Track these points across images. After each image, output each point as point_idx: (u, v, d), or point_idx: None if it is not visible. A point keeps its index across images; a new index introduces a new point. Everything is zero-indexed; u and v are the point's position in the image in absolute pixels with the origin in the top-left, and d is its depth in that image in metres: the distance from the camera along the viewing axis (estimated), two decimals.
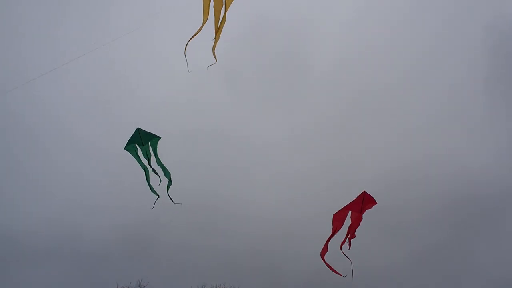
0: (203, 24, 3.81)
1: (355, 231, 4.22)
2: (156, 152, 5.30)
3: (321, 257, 4.26)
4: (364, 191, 4.11)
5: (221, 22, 3.84)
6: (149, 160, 5.33)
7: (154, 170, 5.37)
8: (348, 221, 4.23)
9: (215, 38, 3.86)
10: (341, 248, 4.19)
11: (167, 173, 5.37)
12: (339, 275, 4.03)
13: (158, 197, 5.43)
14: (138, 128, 5.18)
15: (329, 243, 4.24)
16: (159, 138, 5.27)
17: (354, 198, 4.11)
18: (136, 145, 5.24)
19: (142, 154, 5.28)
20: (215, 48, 3.90)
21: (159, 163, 5.35)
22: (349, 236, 4.20)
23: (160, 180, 5.38)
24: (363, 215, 4.22)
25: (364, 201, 4.05)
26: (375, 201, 4.13)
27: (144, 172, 5.36)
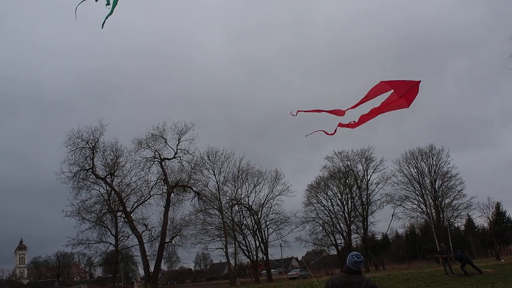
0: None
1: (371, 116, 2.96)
2: None
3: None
4: (420, 81, 2.70)
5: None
6: None
7: None
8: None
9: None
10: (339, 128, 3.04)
11: None
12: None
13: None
14: None
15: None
16: None
17: (400, 80, 2.77)
18: None
19: None
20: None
21: None
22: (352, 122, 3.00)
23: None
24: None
25: (410, 91, 2.72)
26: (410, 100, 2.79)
27: None
